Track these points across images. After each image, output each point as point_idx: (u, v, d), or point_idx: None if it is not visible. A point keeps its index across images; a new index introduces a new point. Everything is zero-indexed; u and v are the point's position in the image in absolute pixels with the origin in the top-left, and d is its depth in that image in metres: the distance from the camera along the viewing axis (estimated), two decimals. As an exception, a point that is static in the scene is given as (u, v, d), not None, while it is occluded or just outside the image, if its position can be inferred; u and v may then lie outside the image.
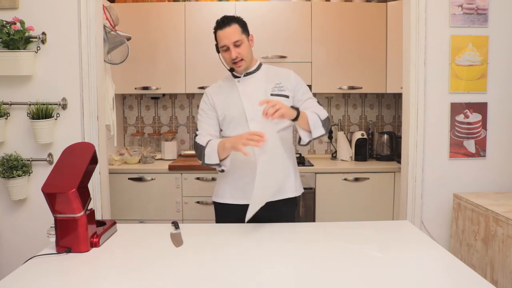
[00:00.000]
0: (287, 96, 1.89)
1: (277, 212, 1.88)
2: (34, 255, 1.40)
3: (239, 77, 1.92)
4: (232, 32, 1.80)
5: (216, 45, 1.91)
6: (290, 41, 3.18)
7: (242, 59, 1.84)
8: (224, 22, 1.82)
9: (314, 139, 1.83)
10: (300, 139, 1.85)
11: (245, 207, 1.68)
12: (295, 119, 1.71)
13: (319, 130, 1.79)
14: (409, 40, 2.39)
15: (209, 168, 2.99)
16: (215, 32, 1.87)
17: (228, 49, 1.82)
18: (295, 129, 1.85)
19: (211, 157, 1.77)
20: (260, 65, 1.96)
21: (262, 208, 1.68)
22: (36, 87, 2.30)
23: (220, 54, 1.91)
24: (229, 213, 1.94)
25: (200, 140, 1.85)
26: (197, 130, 1.92)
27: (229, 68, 1.89)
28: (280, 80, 1.91)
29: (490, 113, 2.42)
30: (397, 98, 3.58)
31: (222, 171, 1.87)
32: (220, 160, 1.78)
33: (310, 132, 1.79)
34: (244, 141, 1.59)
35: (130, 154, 3.19)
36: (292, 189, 1.94)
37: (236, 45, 1.81)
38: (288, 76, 1.94)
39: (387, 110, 3.62)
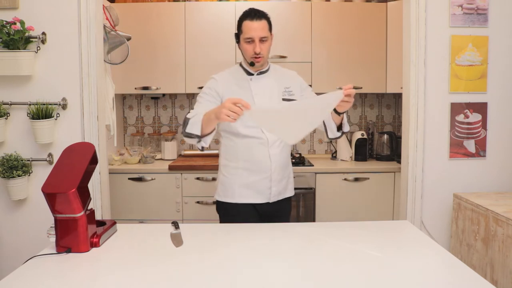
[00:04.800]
0: (295, 101, 1.96)
1: (280, 207, 2.01)
2: (34, 255, 1.40)
3: (252, 74, 1.91)
4: (262, 27, 1.81)
5: (237, 34, 1.89)
6: (290, 41, 3.18)
7: (262, 56, 1.84)
8: (256, 14, 1.81)
9: (343, 134, 1.89)
10: (327, 133, 1.90)
11: (254, 206, 1.92)
12: (343, 113, 1.76)
13: (347, 126, 1.87)
14: (409, 40, 2.39)
15: (209, 168, 3.01)
16: (241, 21, 1.84)
17: (252, 41, 1.81)
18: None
19: (193, 127, 1.68)
20: (269, 65, 1.98)
21: (270, 205, 1.93)
22: (36, 87, 2.30)
23: (239, 44, 1.89)
24: (238, 213, 1.94)
25: (190, 114, 1.76)
26: (191, 109, 1.82)
27: (249, 62, 1.85)
28: (289, 83, 1.95)
29: (490, 113, 2.42)
30: (397, 98, 3.58)
31: (202, 149, 1.78)
32: (203, 135, 1.70)
33: (340, 126, 1.86)
34: (227, 111, 1.50)
35: (130, 154, 3.19)
36: (291, 191, 2.06)
37: (262, 41, 1.82)
38: (294, 78, 1.99)
39: (387, 110, 3.62)
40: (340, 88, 1.59)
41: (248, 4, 3.17)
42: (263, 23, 1.81)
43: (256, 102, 1.85)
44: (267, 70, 1.94)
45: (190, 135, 1.70)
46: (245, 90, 1.87)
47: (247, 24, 1.81)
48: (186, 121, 1.73)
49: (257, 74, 1.91)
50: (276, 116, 1.58)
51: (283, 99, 1.91)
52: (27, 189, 2.31)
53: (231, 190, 1.93)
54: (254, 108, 1.55)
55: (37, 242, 2.13)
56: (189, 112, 1.79)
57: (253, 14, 1.81)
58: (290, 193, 2.03)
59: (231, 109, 1.49)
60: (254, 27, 1.79)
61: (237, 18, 1.90)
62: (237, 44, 1.93)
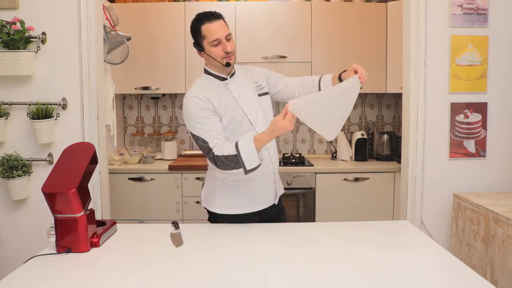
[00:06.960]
0: (267, 93, 1.92)
1: (281, 207, 1.99)
2: (34, 255, 1.40)
3: (225, 78, 1.81)
4: (223, 26, 1.73)
5: (197, 43, 1.78)
6: (290, 41, 3.18)
7: (233, 53, 1.75)
8: (213, 15, 1.72)
9: None
10: (319, 86, 1.93)
11: (259, 212, 1.86)
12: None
13: None
14: (409, 40, 2.39)
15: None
16: (199, 27, 1.73)
17: (220, 42, 1.71)
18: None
19: (253, 161, 1.62)
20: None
21: (273, 208, 1.89)
22: (36, 87, 2.30)
23: (203, 51, 1.76)
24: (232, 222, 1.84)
25: (222, 150, 1.65)
26: (205, 142, 1.68)
27: (224, 64, 1.73)
28: (256, 78, 1.90)
29: (490, 113, 2.42)
30: (397, 98, 3.58)
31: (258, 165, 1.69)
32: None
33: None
34: (291, 125, 1.55)
35: (130, 154, 3.19)
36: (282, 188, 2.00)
37: (228, 39, 1.73)
38: (257, 71, 1.93)
39: (387, 110, 3.62)
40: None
41: (248, 4, 3.17)
42: (221, 22, 1.73)
43: (239, 104, 1.78)
44: (235, 71, 1.85)
45: (253, 169, 1.65)
46: (227, 96, 1.78)
47: (208, 27, 1.71)
48: (236, 160, 1.63)
49: (230, 77, 1.81)
50: (315, 107, 1.58)
51: (259, 95, 1.86)
52: (27, 189, 2.31)
53: (237, 201, 1.83)
54: (295, 104, 1.54)
55: (37, 242, 2.14)
56: (210, 149, 1.67)
57: (209, 16, 1.72)
58: (282, 189, 1.99)
59: (290, 121, 1.53)
60: (217, 28, 1.71)
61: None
62: (199, 53, 1.79)
